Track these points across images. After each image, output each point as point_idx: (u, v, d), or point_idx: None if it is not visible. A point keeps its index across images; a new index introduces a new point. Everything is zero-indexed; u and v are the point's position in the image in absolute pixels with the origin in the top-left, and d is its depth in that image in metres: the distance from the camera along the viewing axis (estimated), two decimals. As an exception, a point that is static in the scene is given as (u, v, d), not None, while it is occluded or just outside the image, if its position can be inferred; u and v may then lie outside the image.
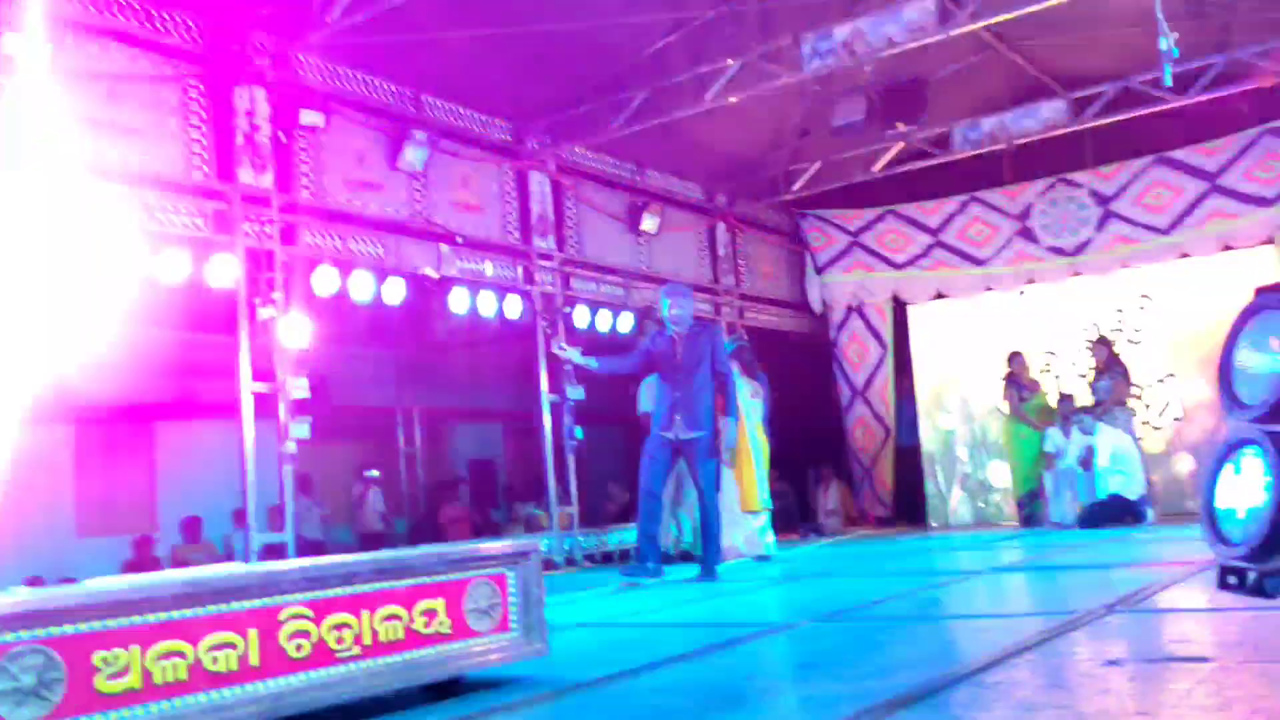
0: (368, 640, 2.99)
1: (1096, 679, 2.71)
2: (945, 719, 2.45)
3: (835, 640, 3.79)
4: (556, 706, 3.06)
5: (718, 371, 6.82)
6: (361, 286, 7.92)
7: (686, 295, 6.96)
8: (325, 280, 7.67)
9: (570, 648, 4.20)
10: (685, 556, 8.74)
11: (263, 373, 7.20)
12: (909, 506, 12.10)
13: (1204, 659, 2.82)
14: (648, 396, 8.87)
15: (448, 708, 3.10)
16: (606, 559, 9.86)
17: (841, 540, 10.26)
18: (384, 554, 3.50)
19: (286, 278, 7.38)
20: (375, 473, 11.92)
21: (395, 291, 8.19)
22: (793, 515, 11.87)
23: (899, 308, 12.43)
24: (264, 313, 7.17)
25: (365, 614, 3.01)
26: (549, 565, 8.97)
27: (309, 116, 7.52)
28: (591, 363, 6.99)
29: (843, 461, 12.53)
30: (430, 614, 3.17)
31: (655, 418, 6.91)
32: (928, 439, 12.03)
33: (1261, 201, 10.32)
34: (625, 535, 10.24)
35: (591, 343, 9.91)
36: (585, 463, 9.80)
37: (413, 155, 8.28)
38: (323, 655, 2.87)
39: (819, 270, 12.72)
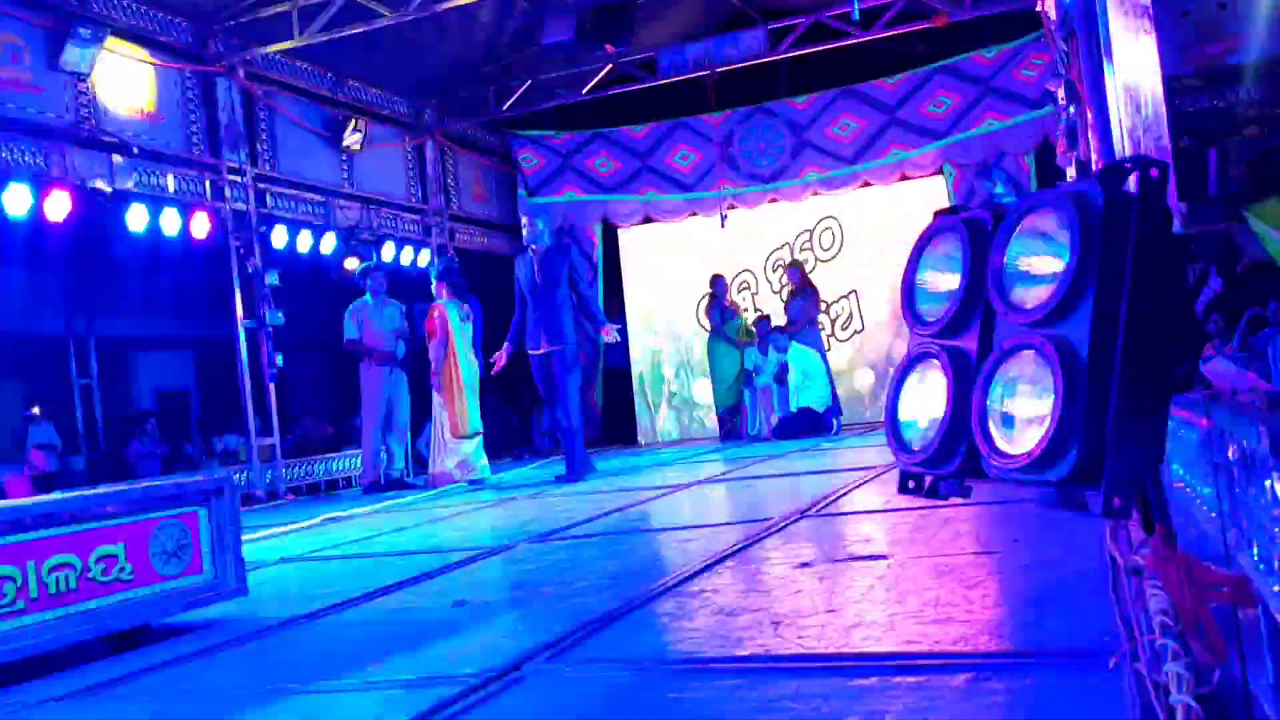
0: (34, 593, 2.78)
1: (789, 581, 2.89)
2: (653, 631, 2.52)
3: (548, 560, 3.82)
4: (254, 648, 2.90)
5: (577, 288, 7.20)
6: (17, 200, 7.03)
7: (540, 213, 7.28)
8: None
9: (274, 586, 4.01)
10: (395, 484, 8.58)
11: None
12: (620, 424, 12.46)
13: (883, 556, 3.07)
14: (353, 323, 8.56)
15: (133, 658, 2.88)
16: (312, 491, 9.50)
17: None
18: (53, 498, 3.19)
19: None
20: (36, 410, 10.81)
21: (59, 206, 7.33)
22: (511, 437, 11.89)
23: (609, 231, 12.61)
24: (-106, 229, 6.23)
25: (31, 565, 2.78)
26: (250, 500, 8.52)
27: (-59, 3, 6.52)
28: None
29: (555, 383, 12.65)
30: (109, 560, 2.95)
31: (526, 338, 7.35)
32: (637, 359, 12.40)
33: (932, 135, 11.22)
34: (332, 465, 9.90)
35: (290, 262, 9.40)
36: (287, 391, 9.32)
37: (76, 54, 7.37)
38: (-22, 612, 2.61)
39: (531, 192, 12.64)
